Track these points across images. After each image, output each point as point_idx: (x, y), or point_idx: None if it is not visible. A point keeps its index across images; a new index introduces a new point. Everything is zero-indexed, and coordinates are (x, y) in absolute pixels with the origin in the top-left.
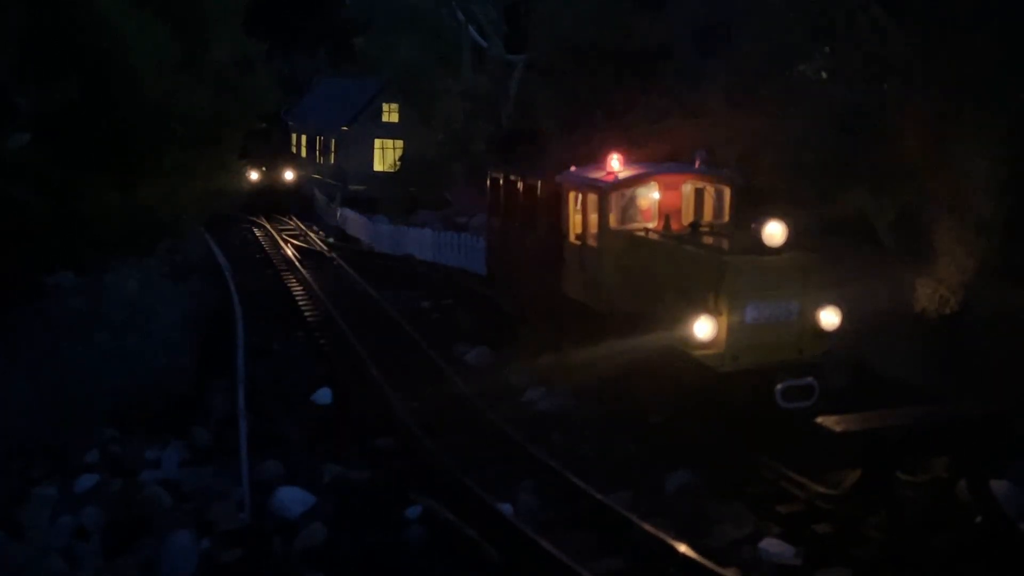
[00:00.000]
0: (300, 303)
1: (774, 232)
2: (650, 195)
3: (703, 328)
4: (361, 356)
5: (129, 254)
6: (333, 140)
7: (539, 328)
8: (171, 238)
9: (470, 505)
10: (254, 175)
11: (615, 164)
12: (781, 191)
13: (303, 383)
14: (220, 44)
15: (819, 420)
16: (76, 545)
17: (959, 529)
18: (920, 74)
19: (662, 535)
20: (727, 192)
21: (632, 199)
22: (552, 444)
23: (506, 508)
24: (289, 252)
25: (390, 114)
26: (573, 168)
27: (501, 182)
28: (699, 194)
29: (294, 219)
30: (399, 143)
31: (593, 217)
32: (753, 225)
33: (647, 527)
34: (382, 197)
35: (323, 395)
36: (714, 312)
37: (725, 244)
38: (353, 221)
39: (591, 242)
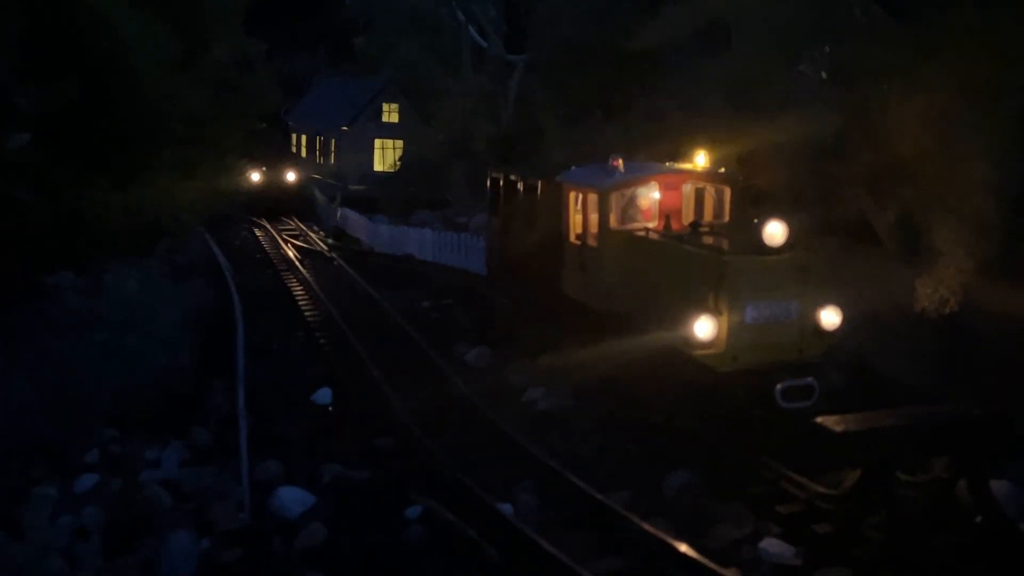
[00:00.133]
0: (300, 303)
1: (774, 232)
2: (650, 195)
3: (703, 328)
4: (361, 356)
5: (129, 254)
6: (333, 140)
7: (539, 328)
8: (171, 238)
9: (470, 505)
10: (255, 176)
11: (615, 164)
12: (781, 191)
13: (303, 383)
14: (220, 44)
15: (819, 420)
16: (76, 545)
17: (959, 529)
18: (920, 74)
19: (662, 535)
20: (727, 192)
21: (632, 199)
22: (552, 444)
23: (506, 508)
24: (289, 252)
25: (390, 114)
26: (573, 168)
27: (501, 182)
28: (699, 194)
29: (294, 219)
30: (399, 143)
31: (593, 217)
32: (753, 225)
33: (647, 527)
34: (382, 197)
35: (323, 395)
36: (714, 312)
37: (725, 244)
38: (353, 221)
39: (591, 242)
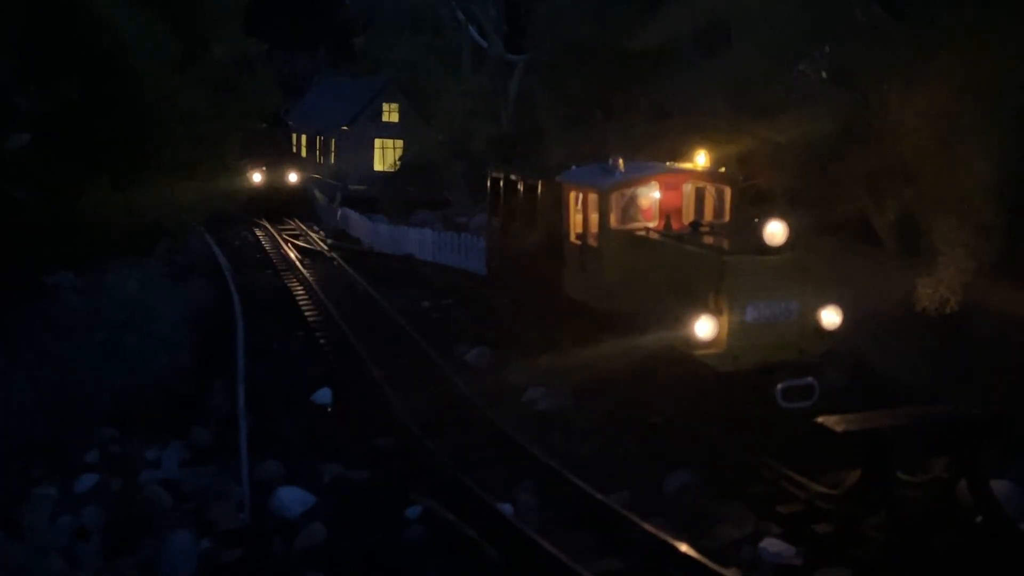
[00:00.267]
0: (300, 303)
1: (774, 232)
2: (651, 195)
3: (704, 328)
4: (361, 356)
5: (129, 254)
6: (333, 140)
7: (539, 328)
8: (171, 238)
9: (470, 505)
10: (257, 177)
11: (615, 163)
12: (781, 191)
13: (303, 383)
14: (220, 44)
15: (819, 420)
16: (76, 545)
17: (959, 529)
18: (920, 74)
19: (662, 535)
20: (728, 192)
21: (633, 199)
22: (552, 444)
23: (506, 508)
24: (289, 252)
25: (390, 114)
26: (573, 168)
27: (501, 182)
28: (700, 194)
29: (294, 219)
30: (399, 143)
31: (594, 217)
32: (753, 225)
33: (647, 527)
34: (382, 197)
35: (323, 395)
36: (714, 312)
37: (725, 244)
38: (353, 221)
39: (592, 242)
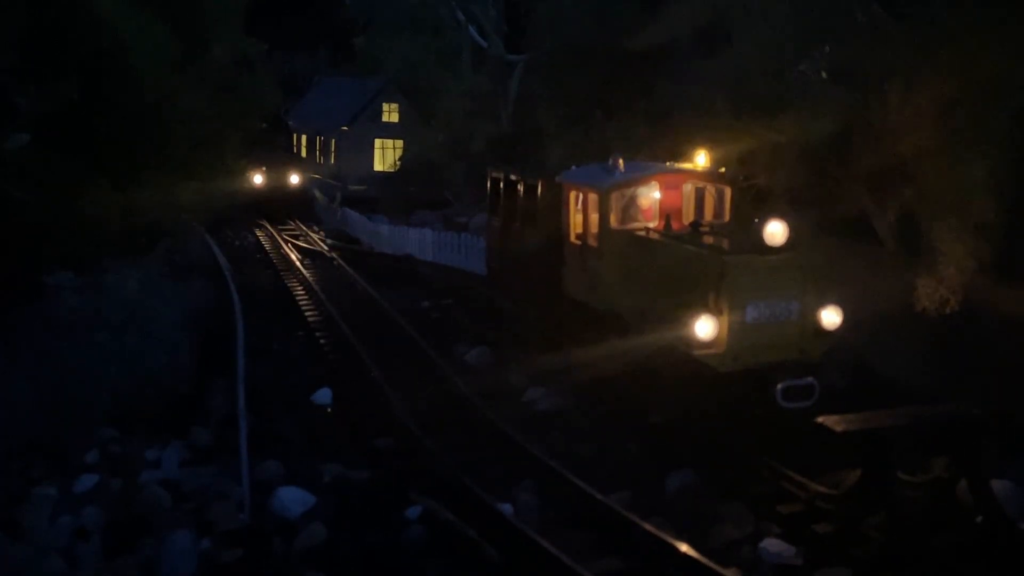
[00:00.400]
0: (300, 303)
1: (775, 232)
2: (651, 195)
3: (704, 327)
4: (361, 356)
5: (129, 254)
6: (333, 140)
7: (539, 328)
8: (171, 238)
9: (470, 505)
10: (258, 178)
11: (615, 163)
12: (781, 191)
13: (303, 383)
14: (220, 44)
15: (820, 420)
16: (76, 545)
17: (959, 529)
18: (920, 74)
19: (662, 535)
20: (727, 192)
21: (633, 199)
22: (552, 444)
23: (506, 508)
24: (289, 252)
25: (390, 114)
26: (573, 168)
27: (501, 182)
28: (700, 194)
29: (295, 219)
30: (399, 143)
31: (594, 217)
32: (754, 225)
33: (647, 527)
34: (382, 197)
35: (323, 395)
36: (715, 311)
37: (726, 244)
38: (353, 221)
39: (592, 242)
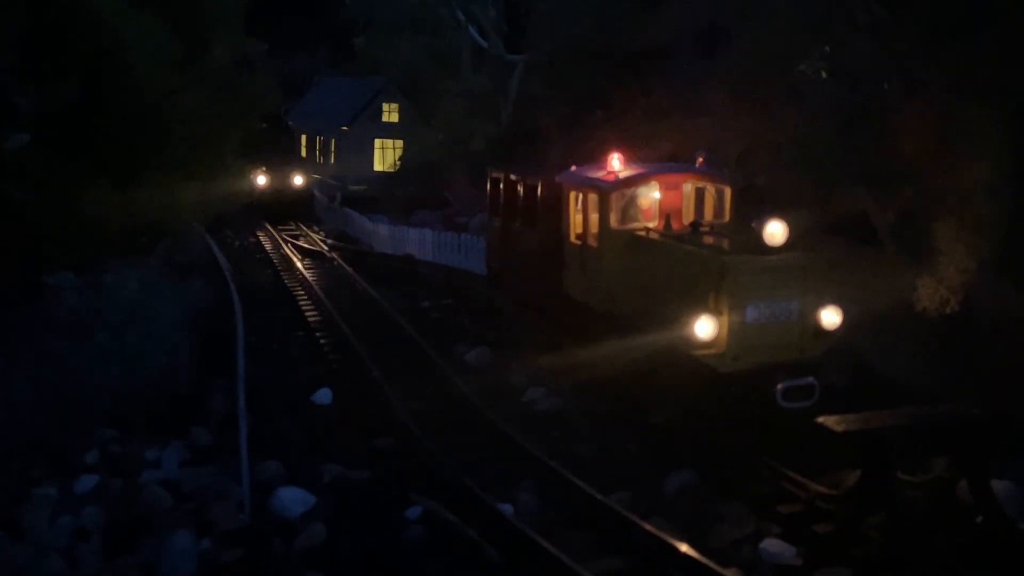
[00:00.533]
0: (300, 303)
1: (775, 232)
2: (651, 195)
3: (704, 328)
4: (361, 356)
5: (129, 254)
6: (333, 140)
7: (539, 328)
8: (171, 238)
9: (470, 505)
10: (261, 179)
11: (615, 164)
12: (781, 191)
13: (303, 383)
14: (220, 44)
15: (820, 420)
16: (76, 545)
17: (959, 529)
18: (920, 74)
19: (663, 535)
20: (728, 192)
21: (633, 199)
22: (552, 444)
23: (506, 508)
24: (289, 252)
25: (390, 114)
26: (574, 168)
27: (501, 182)
28: (700, 194)
29: (296, 221)
30: (399, 143)
31: (594, 217)
32: (754, 225)
33: (648, 527)
34: (382, 197)
35: (323, 395)
36: (715, 312)
37: (726, 244)
38: (353, 221)
39: (592, 242)
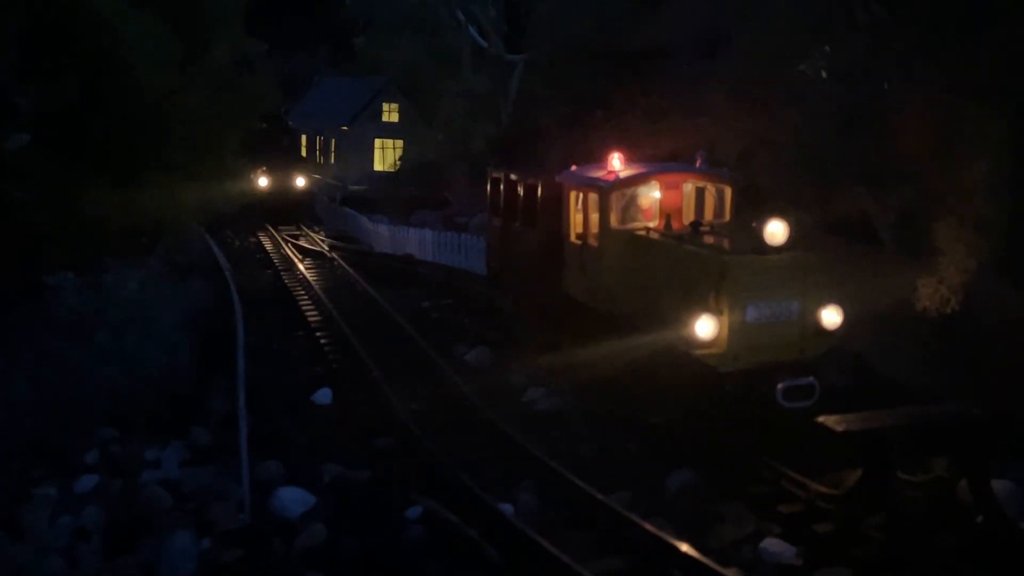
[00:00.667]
0: (300, 303)
1: (775, 231)
2: (651, 194)
3: (704, 327)
4: (361, 356)
5: (129, 254)
6: (333, 140)
7: (539, 328)
8: (171, 238)
9: (470, 505)
10: (263, 181)
11: (616, 163)
12: (781, 191)
13: (303, 383)
14: (220, 44)
15: (820, 420)
16: (76, 545)
17: (959, 529)
18: (920, 74)
19: (663, 535)
20: (728, 192)
21: (633, 198)
22: (552, 444)
23: (506, 508)
24: (289, 252)
25: (390, 114)
26: (574, 168)
27: (501, 182)
28: (700, 193)
29: (296, 222)
30: (399, 143)
31: (594, 217)
32: (754, 224)
33: (648, 527)
34: (382, 197)
35: (323, 395)
36: (715, 311)
37: (726, 243)
38: (353, 221)
39: (592, 242)
